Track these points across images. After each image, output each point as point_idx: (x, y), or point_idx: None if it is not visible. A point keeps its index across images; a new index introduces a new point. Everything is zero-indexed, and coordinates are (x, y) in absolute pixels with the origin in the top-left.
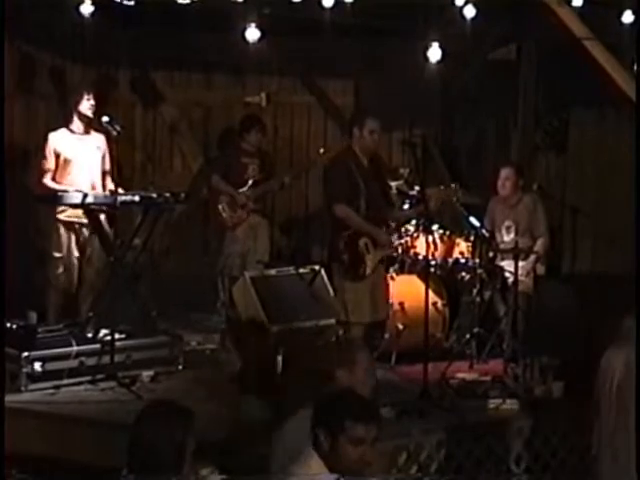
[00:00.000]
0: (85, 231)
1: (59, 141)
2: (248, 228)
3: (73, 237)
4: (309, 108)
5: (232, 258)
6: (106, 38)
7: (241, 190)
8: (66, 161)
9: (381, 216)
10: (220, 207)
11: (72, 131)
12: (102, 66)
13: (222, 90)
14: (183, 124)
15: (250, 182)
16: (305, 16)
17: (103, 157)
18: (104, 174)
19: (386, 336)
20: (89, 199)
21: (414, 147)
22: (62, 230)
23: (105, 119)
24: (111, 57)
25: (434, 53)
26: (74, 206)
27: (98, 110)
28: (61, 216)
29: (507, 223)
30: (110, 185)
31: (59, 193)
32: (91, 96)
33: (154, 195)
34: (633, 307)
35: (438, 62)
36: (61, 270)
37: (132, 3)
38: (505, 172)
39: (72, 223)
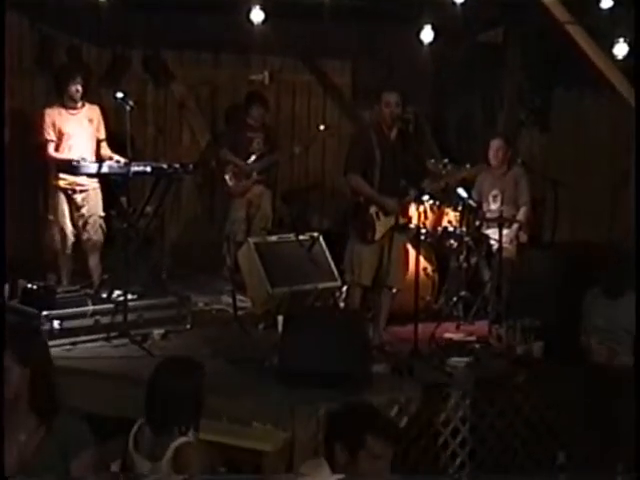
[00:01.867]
0: (79, 197)
1: (56, 116)
2: (252, 197)
3: (67, 202)
4: (309, 86)
5: (237, 224)
6: (120, 20)
7: (247, 162)
8: (62, 133)
9: (394, 187)
10: (227, 177)
11: (66, 107)
12: (116, 46)
13: (228, 69)
14: (191, 101)
15: (255, 155)
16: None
17: (97, 127)
18: (98, 142)
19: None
20: (104, 169)
21: (407, 123)
22: (60, 196)
23: (119, 95)
24: (125, 38)
25: (427, 35)
26: (92, 175)
27: (85, 93)
28: (58, 183)
29: (494, 192)
30: (107, 151)
31: (75, 163)
32: (78, 81)
33: (164, 166)
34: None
35: (430, 44)
36: (56, 233)
37: None
38: (496, 143)
39: (66, 189)
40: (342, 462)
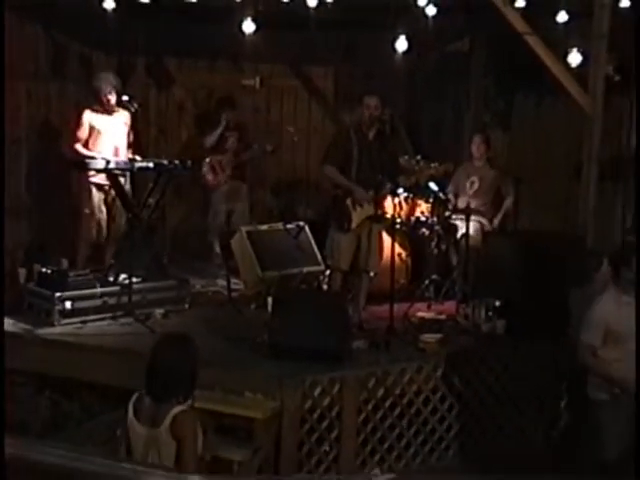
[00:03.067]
0: (112, 192)
1: (93, 116)
2: (230, 190)
3: (102, 197)
4: (296, 90)
5: (219, 216)
6: (126, 29)
7: (221, 158)
8: (98, 132)
9: (369, 181)
10: (205, 171)
11: (104, 109)
12: (122, 53)
13: (223, 74)
14: (189, 103)
15: (230, 152)
16: (293, 12)
17: (128, 131)
18: (128, 144)
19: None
20: (111, 165)
21: (384, 124)
22: (93, 191)
23: (125, 98)
24: (130, 46)
25: (401, 45)
26: (100, 171)
27: (117, 99)
28: (93, 179)
29: (472, 179)
30: (129, 153)
31: (87, 159)
32: (108, 93)
33: (165, 162)
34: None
35: (404, 52)
36: (93, 225)
37: (148, 0)
38: (478, 138)
39: (102, 185)
40: None
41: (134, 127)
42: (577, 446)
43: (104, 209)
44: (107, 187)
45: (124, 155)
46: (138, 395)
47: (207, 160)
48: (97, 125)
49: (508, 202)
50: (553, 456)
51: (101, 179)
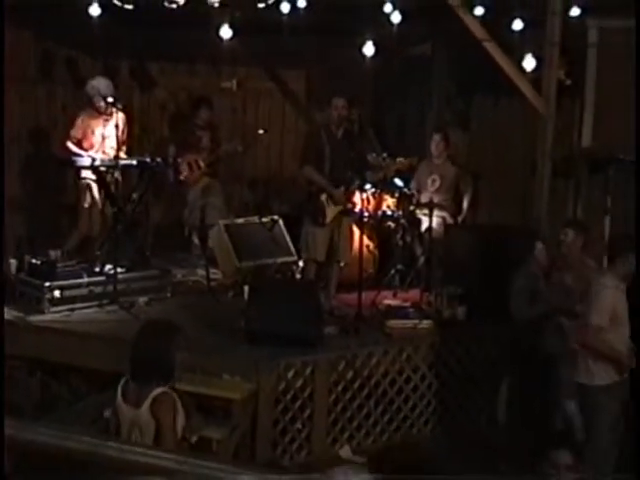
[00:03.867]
0: (104, 190)
1: (89, 118)
2: (204, 187)
3: (89, 193)
4: (271, 92)
5: (195, 210)
6: (110, 35)
7: (196, 156)
8: (93, 132)
9: (341, 178)
10: (181, 169)
11: (99, 112)
12: (107, 57)
13: (202, 77)
14: (171, 104)
15: (203, 150)
16: (267, 18)
17: (122, 132)
18: (119, 144)
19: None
20: (97, 162)
21: (352, 123)
22: (89, 188)
23: (110, 100)
24: (115, 50)
25: (368, 49)
26: (86, 167)
27: (114, 103)
28: (91, 175)
29: (433, 177)
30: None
31: (74, 157)
32: (99, 100)
33: (148, 160)
34: None
35: (371, 56)
36: (88, 218)
37: (131, 7)
38: (437, 136)
39: (89, 183)
40: None
41: (129, 128)
42: (534, 420)
43: (92, 203)
44: (94, 184)
45: (115, 152)
46: (126, 378)
47: (182, 159)
48: (93, 126)
49: (467, 198)
50: (509, 432)
51: (89, 177)
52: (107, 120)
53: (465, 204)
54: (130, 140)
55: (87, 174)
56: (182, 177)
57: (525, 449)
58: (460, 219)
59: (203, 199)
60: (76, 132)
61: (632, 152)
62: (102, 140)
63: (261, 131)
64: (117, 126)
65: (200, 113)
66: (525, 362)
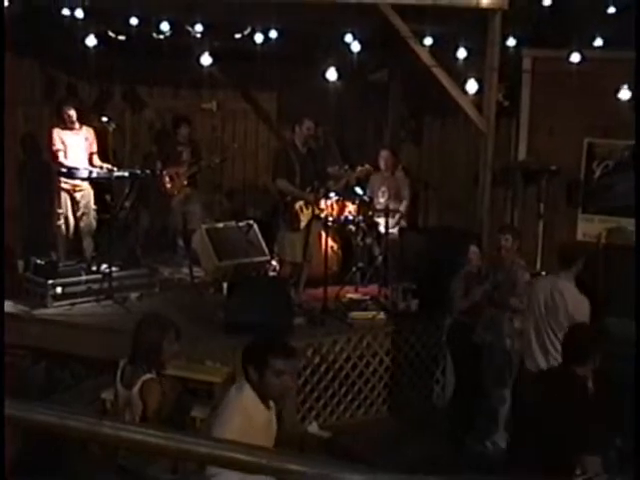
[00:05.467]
0: (78, 195)
1: (60, 133)
2: (185, 196)
3: (70, 199)
4: (246, 112)
5: (177, 217)
6: (105, 63)
7: (177, 169)
8: (65, 145)
9: (312, 187)
10: (165, 180)
11: (68, 128)
12: (102, 83)
13: (185, 99)
14: (158, 123)
15: (184, 164)
16: (243, 47)
17: (91, 143)
18: (91, 154)
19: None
20: (93, 174)
21: (317, 139)
22: (63, 194)
23: (105, 119)
24: (109, 76)
25: (331, 74)
26: (84, 179)
27: (79, 117)
28: (62, 185)
29: (382, 189)
30: (97, 162)
31: (72, 169)
32: (69, 107)
33: (138, 172)
34: None
35: (334, 81)
36: (62, 221)
37: (124, 38)
38: (383, 153)
39: (69, 190)
40: (255, 380)
41: (101, 141)
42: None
43: (70, 209)
44: (72, 191)
45: (88, 162)
46: (125, 362)
47: (166, 171)
48: (65, 141)
49: (405, 203)
50: (453, 409)
51: (69, 185)
52: (73, 134)
53: (402, 208)
54: (117, 153)
55: (65, 183)
56: (165, 188)
57: (461, 427)
58: (397, 218)
59: (184, 207)
60: (56, 146)
61: (562, 165)
62: (74, 151)
63: (235, 145)
64: (87, 139)
65: (181, 130)
66: (462, 349)
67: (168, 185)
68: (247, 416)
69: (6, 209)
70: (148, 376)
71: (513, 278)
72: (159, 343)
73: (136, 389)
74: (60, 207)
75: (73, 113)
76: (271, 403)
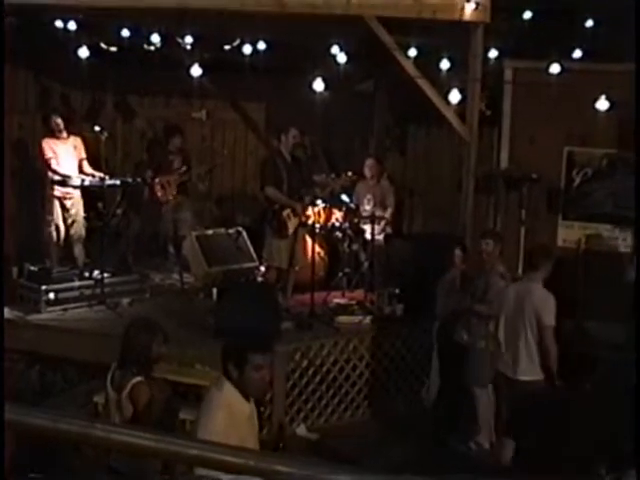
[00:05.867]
0: (68, 202)
1: (50, 143)
2: (176, 204)
3: (60, 206)
4: (235, 122)
5: (168, 224)
6: (97, 73)
7: (169, 177)
8: (56, 154)
9: (298, 194)
10: (156, 189)
11: (57, 137)
12: (95, 92)
13: (176, 109)
14: (149, 132)
15: (175, 172)
16: (232, 58)
17: (79, 151)
18: (81, 161)
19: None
20: (86, 182)
21: (304, 147)
22: (54, 202)
23: (97, 128)
24: (101, 86)
25: (318, 85)
26: (77, 187)
27: (66, 126)
28: (53, 193)
29: (368, 197)
30: (88, 169)
31: (66, 178)
32: (56, 119)
33: (130, 180)
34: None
35: (321, 91)
36: (53, 228)
37: (115, 49)
38: (369, 162)
39: (60, 197)
40: (235, 376)
41: (93, 150)
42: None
43: (60, 216)
44: (62, 199)
45: (77, 169)
46: (114, 367)
47: (157, 180)
48: (55, 150)
49: (389, 210)
50: (437, 411)
51: (60, 193)
52: (62, 142)
53: (388, 215)
54: (109, 162)
55: (57, 190)
56: (157, 196)
57: (445, 428)
58: (383, 225)
59: (175, 214)
60: (48, 155)
61: (542, 172)
62: (64, 159)
63: (225, 152)
64: (75, 147)
65: (173, 140)
66: (445, 352)
67: (160, 193)
68: (230, 411)
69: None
70: (137, 379)
71: (487, 285)
72: (148, 346)
73: (126, 392)
74: (51, 214)
75: (60, 122)
76: (250, 398)
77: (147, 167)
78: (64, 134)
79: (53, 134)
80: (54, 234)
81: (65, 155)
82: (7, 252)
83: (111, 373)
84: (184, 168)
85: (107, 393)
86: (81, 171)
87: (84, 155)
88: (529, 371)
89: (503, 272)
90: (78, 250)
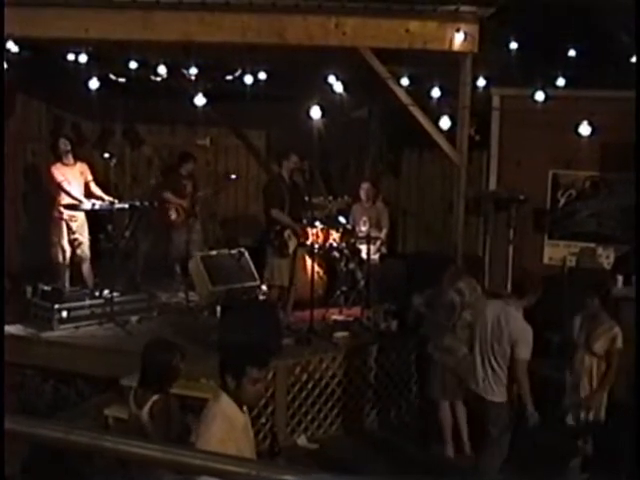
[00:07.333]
0: (74, 225)
1: (58, 169)
2: (188, 226)
3: (67, 228)
4: (237, 148)
5: (180, 246)
6: (107, 103)
7: (181, 201)
8: (65, 178)
9: (298, 216)
10: (170, 213)
11: (64, 163)
12: (104, 121)
13: (181, 136)
14: (156, 158)
15: (187, 196)
16: (234, 88)
17: (85, 175)
18: (87, 183)
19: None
20: (96, 207)
21: (303, 172)
22: (61, 224)
23: (106, 155)
24: (110, 115)
25: (315, 112)
26: (87, 211)
27: (73, 152)
28: (60, 215)
29: (364, 218)
30: (96, 191)
31: (77, 203)
32: (63, 141)
33: (138, 204)
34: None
35: (318, 118)
36: (59, 249)
37: (124, 80)
38: (365, 185)
39: (66, 219)
40: (232, 387)
41: (103, 175)
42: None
43: (66, 238)
44: (69, 221)
45: (83, 191)
46: (135, 385)
47: (171, 203)
48: (63, 175)
49: (384, 231)
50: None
51: (66, 215)
52: (70, 169)
53: (383, 235)
54: (118, 187)
55: (64, 213)
56: (171, 219)
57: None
58: (378, 245)
59: (187, 236)
60: (59, 180)
61: (529, 194)
62: (71, 183)
63: (233, 176)
64: (82, 173)
65: (186, 165)
66: (420, 361)
67: (173, 217)
68: (227, 420)
69: (14, 236)
70: (157, 397)
71: (444, 298)
72: (167, 364)
73: (146, 409)
74: (57, 236)
75: (67, 145)
76: (245, 408)
77: (164, 189)
78: (71, 160)
79: (61, 160)
80: (60, 255)
81: (73, 180)
82: (19, 271)
83: (133, 391)
84: (200, 194)
85: (130, 410)
86: (88, 193)
87: (90, 177)
88: (499, 393)
89: (461, 288)
90: (86, 270)
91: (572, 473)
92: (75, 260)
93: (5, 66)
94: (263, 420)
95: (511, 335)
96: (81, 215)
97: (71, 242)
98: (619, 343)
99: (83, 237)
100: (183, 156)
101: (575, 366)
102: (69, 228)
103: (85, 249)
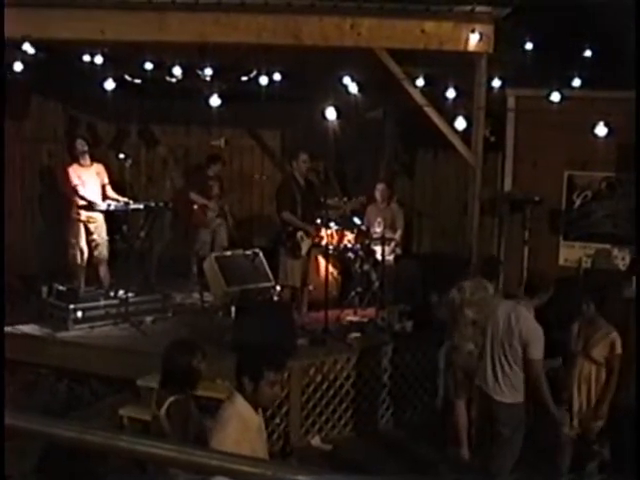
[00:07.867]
0: (92, 226)
1: (75, 170)
2: (214, 227)
3: (84, 229)
4: (252, 148)
5: (204, 246)
6: (122, 104)
7: (208, 202)
8: (81, 180)
9: (312, 217)
10: (197, 212)
11: (81, 164)
12: (120, 122)
13: (196, 137)
14: (171, 159)
15: (213, 197)
16: (249, 89)
17: (102, 177)
18: (104, 186)
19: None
20: (112, 208)
21: (318, 172)
22: (79, 225)
23: (122, 156)
24: (125, 116)
25: (331, 113)
26: (103, 212)
27: (90, 153)
28: (78, 217)
29: (379, 220)
30: (111, 193)
31: (92, 203)
32: (80, 142)
33: (153, 204)
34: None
35: (334, 119)
36: (77, 250)
37: (139, 81)
38: (380, 186)
39: (84, 221)
40: (249, 390)
41: (118, 176)
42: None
43: (84, 239)
44: (87, 223)
45: (100, 193)
46: (157, 387)
47: (197, 206)
48: (80, 177)
49: (399, 232)
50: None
51: (84, 217)
52: (86, 170)
53: (397, 236)
54: (134, 187)
55: (82, 214)
56: (199, 219)
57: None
58: (393, 246)
59: (214, 235)
60: (74, 182)
61: (544, 195)
62: (88, 185)
63: (257, 176)
64: (98, 174)
65: (213, 167)
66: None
67: (201, 217)
68: (242, 421)
69: (30, 237)
70: (174, 398)
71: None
72: (188, 365)
73: (163, 410)
74: (75, 237)
75: (84, 145)
76: (259, 409)
77: (190, 190)
78: (87, 161)
79: (77, 161)
80: (78, 256)
81: (89, 181)
82: (35, 272)
83: (156, 393)
84: (228, 196)
85: (153, 412)
86: (104, 196)
87: (107, 181)
88: (509, 395)
89: (463, 286)
90: (103, 271)
91: (589, 475)
92: (92, 261)
93: (21, 67)
94: (277, 420)
95: (522, 335)
96: (99, 216)
97: (89, 243)
98: (618, 349)
99: (101, 238)
100: (211, 157)
101: (573, 373)
102: (87, 229)
103: (103, 250)
